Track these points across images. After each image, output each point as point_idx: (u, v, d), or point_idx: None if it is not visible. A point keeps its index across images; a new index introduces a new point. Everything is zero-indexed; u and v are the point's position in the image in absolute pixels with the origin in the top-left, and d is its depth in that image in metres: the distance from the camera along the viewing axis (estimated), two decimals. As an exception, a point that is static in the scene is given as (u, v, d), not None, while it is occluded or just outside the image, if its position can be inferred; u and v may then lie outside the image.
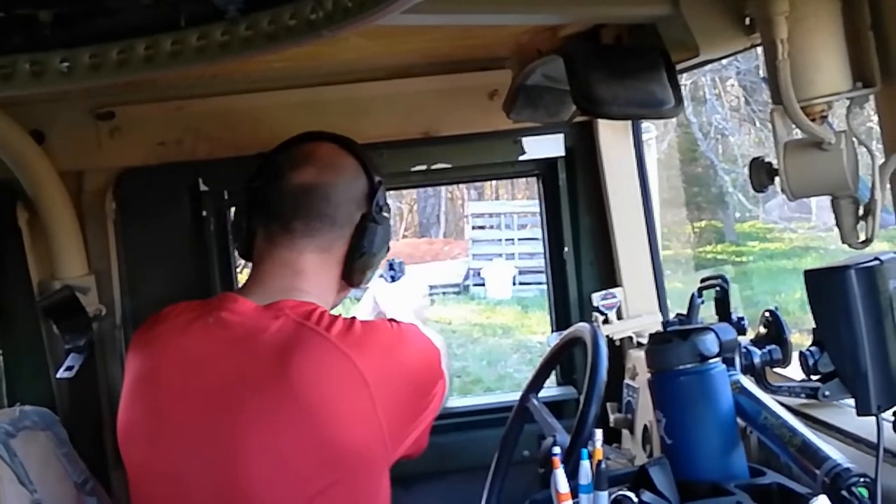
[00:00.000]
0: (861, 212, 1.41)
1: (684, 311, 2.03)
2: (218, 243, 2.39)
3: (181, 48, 1.17)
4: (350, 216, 1.75)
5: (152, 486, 1.66)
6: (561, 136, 2.43)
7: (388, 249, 1.86)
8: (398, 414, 1.62)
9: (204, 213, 2.35)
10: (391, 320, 1.72)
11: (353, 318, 1.64)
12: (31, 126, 2.14)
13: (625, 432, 2.32)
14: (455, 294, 12.45)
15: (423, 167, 2.40)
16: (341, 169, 1.76)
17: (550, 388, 2.49)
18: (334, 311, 1.69)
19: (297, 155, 1.76)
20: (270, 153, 1.81)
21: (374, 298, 2.28)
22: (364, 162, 1.79)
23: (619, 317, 2.41)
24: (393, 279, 2.27)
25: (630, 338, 2.42)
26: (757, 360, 1.86)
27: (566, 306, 2.51)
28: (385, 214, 1.80)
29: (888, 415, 1.41)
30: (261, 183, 1.76)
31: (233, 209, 2.54)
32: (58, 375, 2.18)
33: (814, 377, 1.78)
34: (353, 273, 1.77)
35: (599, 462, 1.40)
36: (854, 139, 1.40)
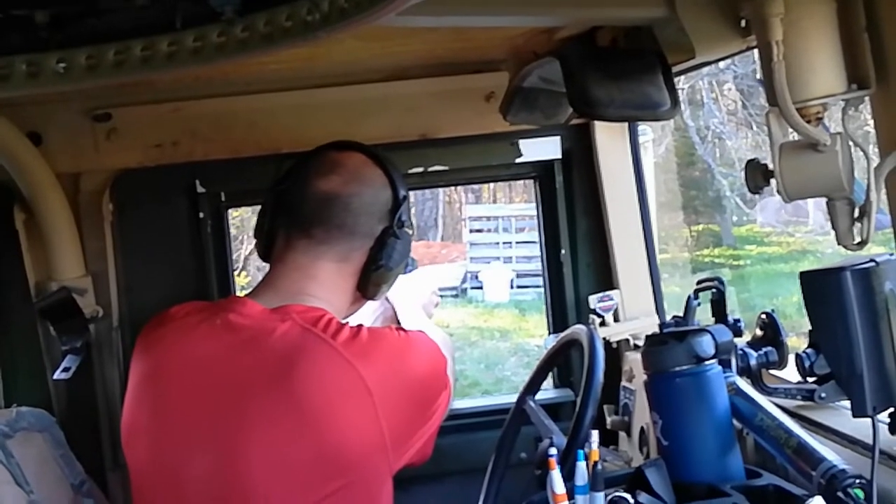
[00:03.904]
0: (856, 214, 1.41)
1: (681, 314, 2.03)
2: (215, 244, 2.39)
3: (177, 49, 1.17)
4: (370, 228, 1.73)
5: (153, 486, 1.65)
6: (557, 139, 2.43)
7: (408, 265, 1.85)
8: (401, 424, 1.61)
9: (201, 215, 2.35)
10: (399, 328, 1.72)
11: (360, 325, 1.63)
12: (28, 128, 2.15)
13: (622, 434, 2.32)
14: (453, 297, 12.43)
15: (420, 169, 2.40)
16: (367, 180, 1.75)
17: (547, 391, 2.49)
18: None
19: (325, 162, 1.75)
20: (300, 158, 1.79)
21: None
22: (391, 175, 1.77)
23: (616, 319, 2.41)
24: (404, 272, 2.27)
25: (627, 340, 2.42)
26: (753, 361, 1.86)
27: (563, 309, 2.51)
28: (407, 230, 1.77)
29: (884, 416, 1.42)
30: (287, 186, 1.75)
31: (230, 210, 2.55)
32: (54, 377, 2.18)
33: (810, 379, 1.78)
34: (367, 285, 1.75)
35: (596, 463, 1.41)
36: (850, 141, 1.41)
